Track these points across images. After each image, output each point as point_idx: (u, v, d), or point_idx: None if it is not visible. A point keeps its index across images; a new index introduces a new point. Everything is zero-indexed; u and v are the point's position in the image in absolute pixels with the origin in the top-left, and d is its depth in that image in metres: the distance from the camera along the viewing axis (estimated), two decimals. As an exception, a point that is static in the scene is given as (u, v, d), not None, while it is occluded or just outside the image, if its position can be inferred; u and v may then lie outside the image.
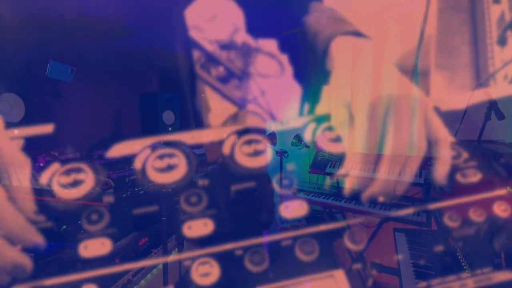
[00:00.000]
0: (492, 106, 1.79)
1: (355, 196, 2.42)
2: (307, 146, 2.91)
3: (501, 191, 0.89)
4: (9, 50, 1.91)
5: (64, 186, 0.76)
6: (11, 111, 1.76)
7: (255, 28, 3.04)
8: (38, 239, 0.72)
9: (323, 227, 1.07)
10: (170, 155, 0.85)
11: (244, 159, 0.88)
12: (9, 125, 1.67)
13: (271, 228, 3.04)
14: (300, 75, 3.12)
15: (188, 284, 0.96)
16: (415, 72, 2.24)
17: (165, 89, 3.32)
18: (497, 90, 1.82)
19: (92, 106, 2.81)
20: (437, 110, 1.81)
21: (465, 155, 1.09)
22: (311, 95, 2.96)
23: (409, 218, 2.09)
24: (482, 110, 1.76)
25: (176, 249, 2.66)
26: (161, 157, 0.84)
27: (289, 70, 3.15)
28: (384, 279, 2.29)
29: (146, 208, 0.83)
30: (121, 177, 2.41)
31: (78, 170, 0.78)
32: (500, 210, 0.85)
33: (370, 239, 2.43)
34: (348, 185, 1.97)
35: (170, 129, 3.08)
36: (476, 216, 0.93)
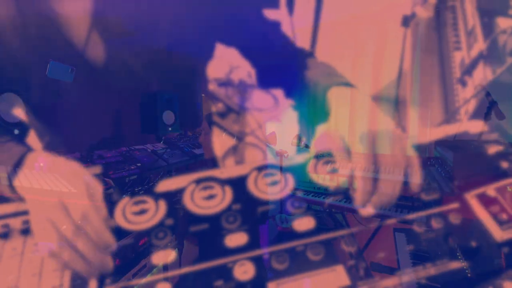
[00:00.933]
0: (493, 107, 2.06)
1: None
2: (307, 147, 3.22)
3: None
4: (9, 50, 2.06)
5: (135, 214, 1.12)
6: (11, 111, 1.84)
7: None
8: (113, 242, 1.06)
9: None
10: (211, 187, 1.23)
11: (265, 188, 1.28)
12: (9, 125, 1.77)
13: (271, 228, 3.35)
14: (301, 116, 3.63)
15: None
16: (396, 109, 2.76)
17: (165, 89, 3.49)
18: (460, 125, 2.25)
19: (92, 106, 2.93)
20: (411, 144, 2.20)
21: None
22: (310, 131, 3.44)
23: (409, 218, 2.29)
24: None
25: (176, 249, 2.92)
26: (204, 188, 1.22)
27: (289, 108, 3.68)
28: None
29: (200, 225, 1.19)
30: (121, 177, 2.52)
31: (144, 202, 1.14)
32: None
33: (370, 239, 2.69)
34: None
35: (170, 129, 3.18)
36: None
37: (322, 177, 2.84)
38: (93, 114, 2.97)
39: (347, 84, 2.52)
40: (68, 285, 1.01)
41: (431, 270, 1.17)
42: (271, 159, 3.19)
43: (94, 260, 1.03)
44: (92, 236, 1.04)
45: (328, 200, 2.75)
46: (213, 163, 1.88)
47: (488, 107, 1.99)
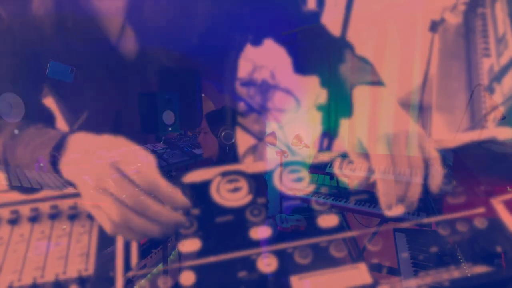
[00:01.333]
0: (493, 107, 2.13)
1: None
2: (307, 146, 3.28)
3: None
4: (9, 50, 2.04)
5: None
6: (11, 111, 1.81)
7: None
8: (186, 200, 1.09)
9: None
10: (236, 180, 1.28)
11: (288, 183, 1.35)
12: (9, 125, 1.71)
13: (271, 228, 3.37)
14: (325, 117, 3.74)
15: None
16: (420, 113, 2.84)
17: (165, 89, 3.53)
18: (487, 131, 2.34)
19: (92, 106, 2.91)
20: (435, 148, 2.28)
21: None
22: (331, 131, 3.54)
23: (409, 218, 2.36)
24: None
25: (176, 249, 2.90)
26: (229, 181, 1.27)
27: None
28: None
29: (225, 217, 1.24)
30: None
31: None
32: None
33: (370, 239, 2.73)
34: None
35: (170, 129, 3.20)
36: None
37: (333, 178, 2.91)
38: (93, 114, 2.89)
39: (378, 83, 2.58)
40: (93, 269, 1.04)
41: (433, 271, 1.22)
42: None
43: (168, 221, 1.05)
44: (164, 198, 1.05)
45: (351, 204, 2.80)
46: (212, 162, 1.92)
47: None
